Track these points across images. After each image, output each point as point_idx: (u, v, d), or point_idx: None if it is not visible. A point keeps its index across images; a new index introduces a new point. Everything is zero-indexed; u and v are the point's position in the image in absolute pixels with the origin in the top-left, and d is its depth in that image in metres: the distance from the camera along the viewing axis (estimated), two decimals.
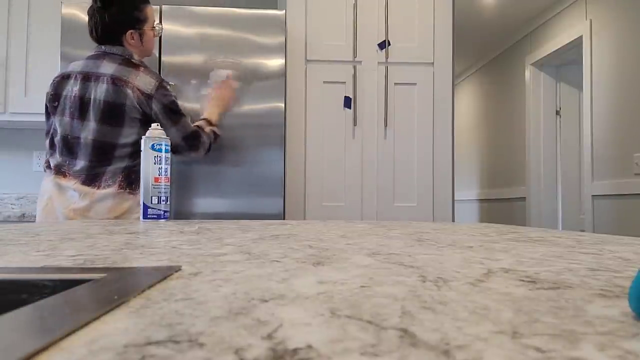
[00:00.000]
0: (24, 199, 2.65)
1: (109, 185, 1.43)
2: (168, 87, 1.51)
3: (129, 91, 1.43)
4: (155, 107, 1.46)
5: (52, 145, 1.52)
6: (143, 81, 1.46)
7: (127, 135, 1.44)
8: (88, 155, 1.44)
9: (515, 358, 0.16)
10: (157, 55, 1.95)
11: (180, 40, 1.97)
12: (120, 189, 1.44)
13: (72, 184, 1.44)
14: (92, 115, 1.44)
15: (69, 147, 1.47)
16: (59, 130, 1.49)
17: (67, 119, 1.47)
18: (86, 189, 1.42)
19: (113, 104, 1.43)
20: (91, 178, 1.43)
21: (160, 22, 1.97)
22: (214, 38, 1.98)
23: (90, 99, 1.45)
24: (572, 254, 0.48)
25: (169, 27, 1.97)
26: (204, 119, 1.68)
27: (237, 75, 1.97)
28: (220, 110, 1.77)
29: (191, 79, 1.95)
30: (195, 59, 1.97)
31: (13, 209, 2.62)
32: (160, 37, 1.96)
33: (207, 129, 1.64)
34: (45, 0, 2.42)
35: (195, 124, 1.61)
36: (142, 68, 1.49)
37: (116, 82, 1.44)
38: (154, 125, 1.29)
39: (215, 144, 1.67)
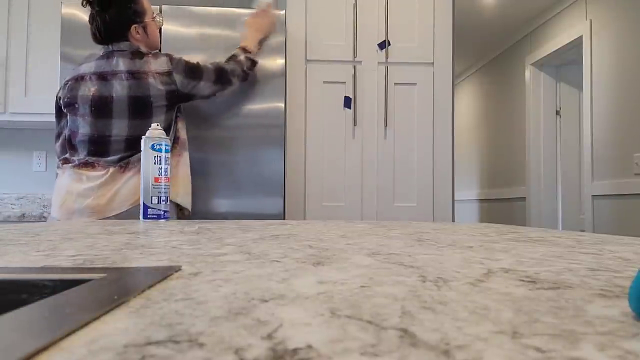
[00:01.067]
0: (24, 199, 2.65)
1: (134, 168, 1.46)
2: (174, 55, 1.58)
3: (151, 80, 1.48)
4: (178, 78, 1.53)
5: (71, 146, 1.53)
6: (157, 64, 1.51)
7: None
8: (121, 150, 1.48)
9: (515, 358, 0.16)
10: None
11: (180, 40, 1.97)
12: None
13: (101, 172, 1.45)
14: (119, 112, 1.47)
15: (98, 145, 1.48)
16: (82, 131, 1.50)
17: (90, 119, 1.48)
18: (114, 174, 1.45)
19: (139, 98, 1.47)
20: (120, 165, 1.46)
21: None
22: (214, 38, 1.98)
23: (112, 97, 1.47)
24: (572, 254, 0.48)
25: (169, 27, 1.96)
26: (240, 47, 1.77)
27: None
28: (257, 37, 1.83)
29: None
30: (195, 59, 1.96)
31: (13, 209, 2.62)
32: (160, 38, 1.96)
33: (242, 56, 1.73)
34: (45, 0, 2.42)
35: (232, 54, 1.72)
36: (150, 54, 1.54)
37: (135, 75, 1.47)
38: (153, 125, 1.29)
39: (252, 71, 1.77)
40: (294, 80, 2.21)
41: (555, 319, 0.21)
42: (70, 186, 1.46)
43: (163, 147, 1.26)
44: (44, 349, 0.16)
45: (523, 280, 0.31)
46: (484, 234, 0.75)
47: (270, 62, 2.00)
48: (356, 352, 0.16)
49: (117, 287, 0.28)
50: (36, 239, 0.62)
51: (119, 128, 1.47)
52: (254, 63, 1.76)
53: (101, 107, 1.47)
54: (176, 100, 1.55)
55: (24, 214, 2.30)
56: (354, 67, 2.23)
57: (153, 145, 1.25)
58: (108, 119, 1.47)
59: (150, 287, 0.28)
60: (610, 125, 2.88)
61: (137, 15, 1.55)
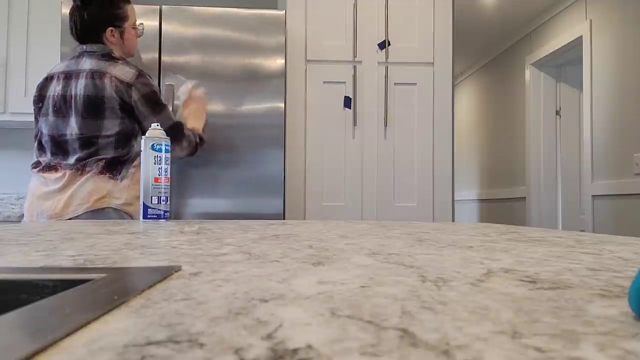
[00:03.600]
0: (24, 199, 2.65)
1: (91, 171, 1.44)
2: (149, 77, 1.51)
3: (107, 81, 1.45)
4: (135, 95, 1.46)
5: (40, 146, 1.53)
6: (122, 71, 1.47)
7: (109, 128, 1.45)
8: (77, 150, 1.46)
9: (515, 358, 0.16)
10: (157, 55, 1.95)
11: (180, 40, 1.97)
12: (101, 174, 1.44)
13: (59, 175, 1.45)
14: (74, 111, 1.46)
15: (59, 145, 1.48)
16: (45, 131, 1.50)
17: (51, 118, 1.49)
18: (71, 177, 1.44)
19: (93, 97, 1.44)
20: (77, 167, 1.45)
21: (160, 22, 1.97)
22: (214, 38, 1.98)
23: (71, 95, 1.46)
24: (572, 254, 0.48)
25: (169, 27, 1.96)
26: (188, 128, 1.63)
27: (236, 74, 1.97)
28: (199, 123, 1.68)
29: (191, 79, 1.94)
30: (195, 59, 1.97)
31: (13, 209, 2.62)
32: (160, 37, 1.96)
33: (191, 132, 1.59)
34: (45, 0, 2.42)
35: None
36: (121, 61, 1.51)
37: (94, 75, 1.45)
38: (153, 125, 1.29)
39: (202, 147, 1.63)
40: (294, 80, 2.21)
41: (555, 319, 0.21)
42: (35, 189, 1.47)
43: (163, 147, 1.26)
44: (44, 349, 0.16)
45: (523, 280, 0.31)
46: (484, 234, 0.75)
47: (270, 62, 2.00)
48: (356, 352, 0.16)
49: (117, 287, 0.28)
50: (36, 239, 0.62)
51: (72, 127, 1.46)
52: (202, 141, 1.63)
53: (61, 107, 1.47)
54: (128, 112, 1.47)
55: (24, 214, 2.30)
56: (354, 67, 2.22)
57: (153, 145, 1.25)
58: (65, 118, 1.46)
59: (150, 287, 0.28)
60: (610, 125, 2.88)
61: (115, 19, 1.53)
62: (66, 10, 1.93)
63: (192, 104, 1.69)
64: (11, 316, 0.21)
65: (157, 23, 1.96)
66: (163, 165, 1.26)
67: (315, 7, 2.24)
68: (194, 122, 1.65)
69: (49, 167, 1.48)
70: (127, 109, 1.47)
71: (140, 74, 1.48)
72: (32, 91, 2.37)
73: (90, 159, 1.45)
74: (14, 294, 0.30)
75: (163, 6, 1.97)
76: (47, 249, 0.49)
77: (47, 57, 2.39)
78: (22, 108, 2.38)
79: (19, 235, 0.66)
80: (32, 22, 2.42)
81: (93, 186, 1.43)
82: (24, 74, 2.40)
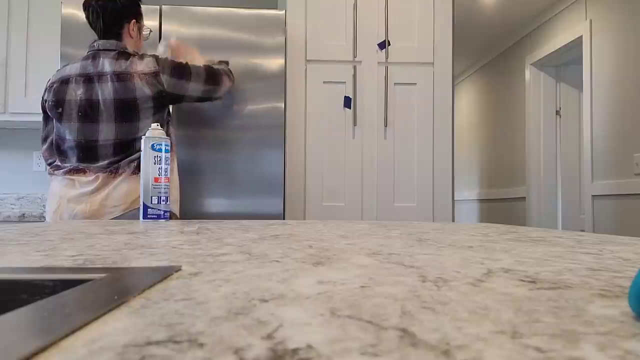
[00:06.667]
0: (24, 199, 2.65)
1: (124, 173, 1.44)
2: (160, 56, 1.55)
3: (137, 81, 1.45)
4: (165, 79, 1.49)
5: (60, 152, 1.51)
6: (144, 64, 1.48)
7: (143, 128, 1.46)
8: (110, 154, 1.45)
9: (515, 358, 0.16)
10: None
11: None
12: (134, 174, 1.44)
13: (91, 178, 1.43)
14: (105, 116, 1.44)
15: (87, 150, 1.46)
16: (69, 137, 1.48)
17: (77, 124, 1.46)
18: (105, 179, 1.43)
19: (125, 101, 1.44)
20: (111, 170, 1.44)
21: (160, 22, 1.97)
22: (214, 38, 1.98)
23: (98, 100, 1.45)
24: (572, 254, 0.48)
25: (169, 27, 1.96)
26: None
27: (236, 74, 1.98)
28: (193, 52, 1.74)
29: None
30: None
31: (13, 209, 2.62)
32: (160, 37, 1.96)
33: (212, 63, 1.69)
34: (45, 0, 2.42)
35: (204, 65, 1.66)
36: (136, 55, 1.51)
37: (121, 77, 1.44)
38: (153, 125, 1.29)
39: (229, 69, 1.72)
40: (294, 80, 2.21)
41: (555, 319, 0.21)
42: (62, 192, 1.44)
43: (163, 147, 1.26)
44: (44, 349, 0.16)
45: (523, 280, 0.31)
46: (484, 234, 0.75)
47: (270, 62, 2.00)
48: (356, 352, 0.16)
49: (117, 287, 0.28)
50: (36, 239, 0.62)
51: (106, 133, 1.45)
52: (222, 62, 1.75)
53: (88, 112, 1.45)
54: (165, 102, 1.51)
55: (24, 214, 2.30)
56: (354, 67, 2.22)
57: (153, 145, 1.25)
58: (95, 123, 1.45)
59: (150, 287, 0.28)
60: (610, 125, 2.88)
61: (138, 15, 1.58)
62: (66, 10, 1.94)
63: (180, 55, 1.72)
64: (11, 316, 0.21)
65: (157, 23, 1.96)
66: (163, 165, 1.26)
67: (315, 7, 2.24)
68: (191, 55, 1.70)
69: (77, 170, 1.46)
70: (161, 100, 1.49)
71: (156, 58, 1.52)
72: (33, 91, 2.39)
73: (123, 161, 1.45)
74: (14, 294, 0.30)
75: (163, 6, 1.97)
76: (47, 249, 0.49)
77: (47, 57, 2.39)
78: (22, 108, 2.38)
79: (19, 235, 0.66)
80: (32, 22, 2.42)
81: (128, 188, 1.42)
82: (24, 74, 2.40)
